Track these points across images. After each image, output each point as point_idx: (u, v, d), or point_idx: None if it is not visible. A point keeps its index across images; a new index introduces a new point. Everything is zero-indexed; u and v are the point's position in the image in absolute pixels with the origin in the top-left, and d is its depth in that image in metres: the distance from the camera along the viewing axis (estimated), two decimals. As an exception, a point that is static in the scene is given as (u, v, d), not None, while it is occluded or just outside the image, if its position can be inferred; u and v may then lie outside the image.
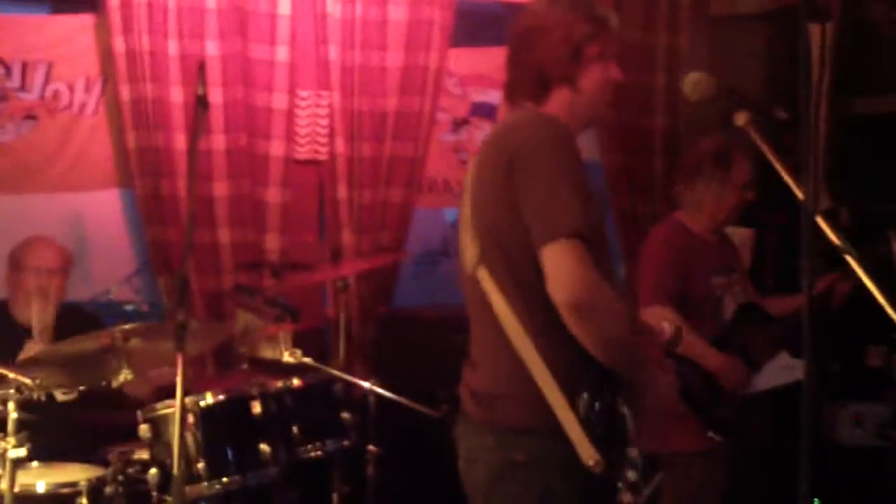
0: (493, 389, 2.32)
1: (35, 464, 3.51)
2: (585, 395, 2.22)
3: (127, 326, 3.37)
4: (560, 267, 2.17)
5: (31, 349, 3.75)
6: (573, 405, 2.21)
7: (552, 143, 2.27)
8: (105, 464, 3.51)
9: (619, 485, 2.29)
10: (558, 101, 2.40)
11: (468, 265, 2.37)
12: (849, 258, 1.92)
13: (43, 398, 3.77)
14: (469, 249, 2.36)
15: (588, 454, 2.18)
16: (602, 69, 2.40)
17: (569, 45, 2.38)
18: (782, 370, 3.62)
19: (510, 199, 2.26)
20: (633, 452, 2.31)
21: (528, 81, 2.41)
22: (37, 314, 3.91)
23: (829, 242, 1.91)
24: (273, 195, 4.65)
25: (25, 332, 3.90)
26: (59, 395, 3.84)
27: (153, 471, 3.35)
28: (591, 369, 2.23)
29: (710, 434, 3.57)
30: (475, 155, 2.49)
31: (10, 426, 3.00)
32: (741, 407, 3.61)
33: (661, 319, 3.59)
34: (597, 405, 2.22)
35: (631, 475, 2.30)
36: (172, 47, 4.43)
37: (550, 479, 2.25)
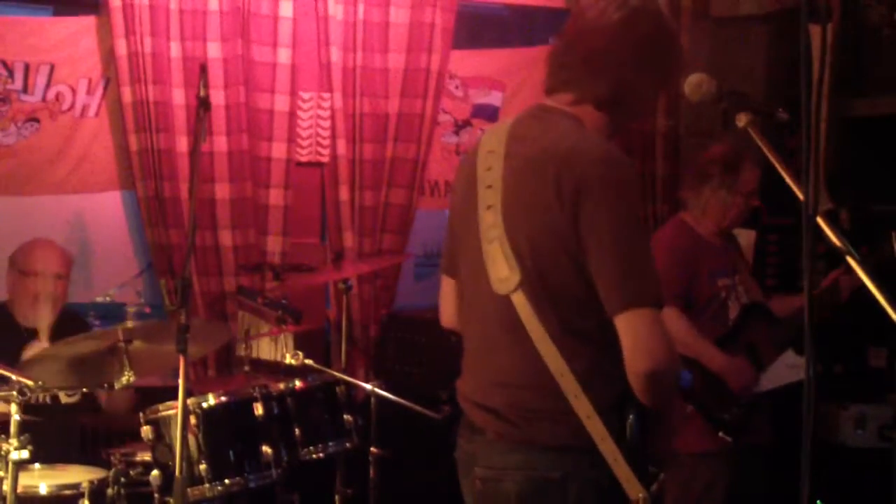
0: (527, 411, 2.22)
1: (37, 466, 3.52)
2: (632, 419, 2.19)
3: (129, 328, 3.37)
4: (642, 338, 2.10)
5: (36, 349, 3.75)
6: (617, 440, 2.15)
7: (630, 188, 2.17)
8: (107, 466, 3.51)
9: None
10: (607, 120, 2.28)
11: (498, 283, 2.22)
12: (850, 259, 1.91)
13: (48, 400, 3.79)
14: (501, 268, 2.21)
15: (635, 490, 2.14)
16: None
17: (666, 77, 2.33)
18: (789, 369, 3.62)
19: (566, 233, 2.13)
20: (652, 471, 2.30)
21: (613, 88, 2.24)
22: (41, 318, 3.92)
23: (831, 244, 1.91)
24: (275, 197, 4.66)
25: (27, 334, 3.91)
26: (64, 397, 3.85)
27: (155, 472, 3.35)
28: (629, 396, 2.17)
29: (721, 435, 3.56)
30: (498, 150, 2.28)
31: (13, 428, 3.00)
32: (748, 407, 3.61)
33: (668, 321, 3.61)
34: (638, 431, 2.20)
35: (654, 487, 2.28)
36: (174, 49, 4.44)
37: (585, 497, 2.19)
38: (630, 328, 2.11)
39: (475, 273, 2.30)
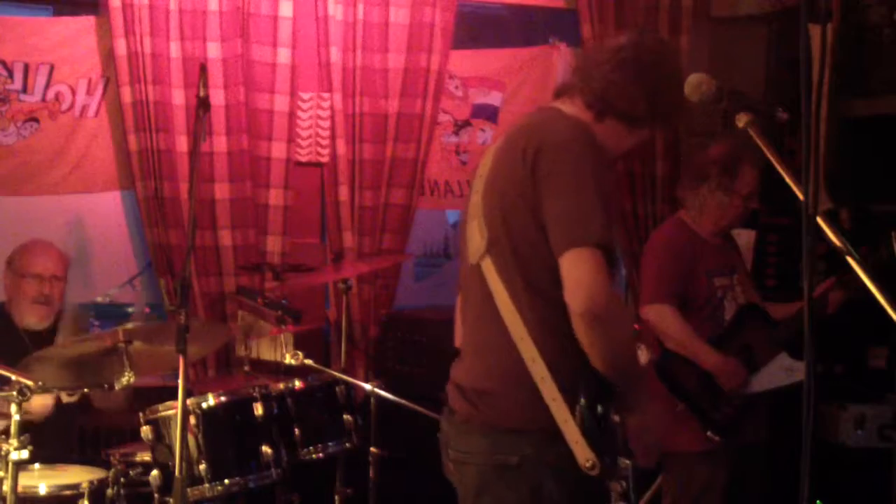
0: (485, 385, 2.30)
1: (37, 466, 3.52)
2: (583, 399, 2.20)
3: (129, 328, 3.37)
4: (581, 275, 2.15)
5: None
6: (571, 406, 2.20)
7: (581, 143, 2.26)
8: (107, 466, 3.51)
9: (612, 493, 2.28)
10: (608, 129, 2.39)
11: (473, 254, 2.34)
12: (850, 260, 1.91)
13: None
14: (476, 239, 2.33)
15: (584, 455, 2.17)
16: (652, 133, 2.48)
17: (667, 106, 2.41)
18: (782, 371, 3.62)
19: (529, 195, 2.24)
20: (623, 463, 2.31)
21: (610, 94, 2.37)
22: (37, 320, 3.92)
23: (831, 244, 1.91)
24: (274, 197, 4.66)
25: (25, 336, 3.90)
26: (65, 397, 3.85)
27: (155, 473, 3.35)
28: (590, 375, 2.22)
29: (709, 434, 3.57)
30: (495, 144, 2.45)
31: (13, 428, 3.00)
32: (740, 408, 3.61)
33: (663, 318, 3.61)
34: (594, 410, 2.21)
35: (623, 484, 2.29)
36: (174, 49, 4.44)
37: (542, 481, 2.23)
38: (570, 267, 2.17)
39: (465, 259, 2.41)
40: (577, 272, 2.16)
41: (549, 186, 2.22)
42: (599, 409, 2.22)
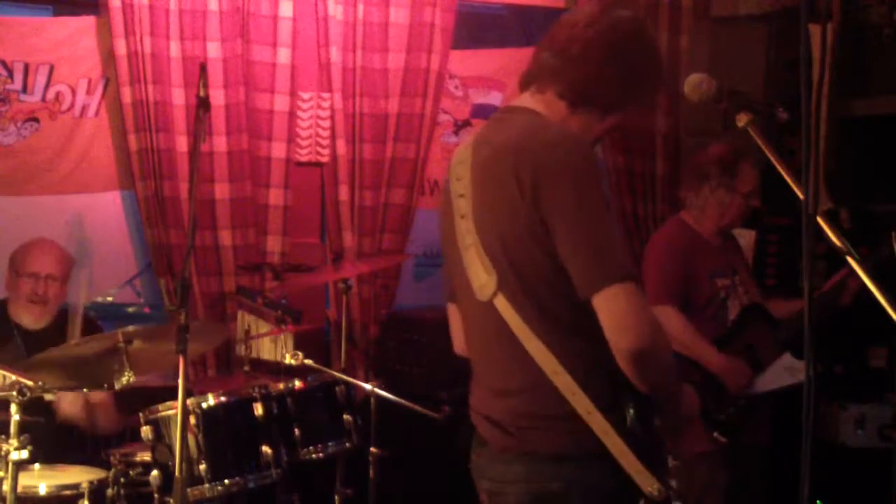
0: (524, 422, 2.18)
1: (37, 466, 3.52)
2: (631, 420, 2.13)
3: (129, 328, 3.37)
4: (621, 315, 2.05)
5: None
6: (622, 433, 2.11)
7: (579, 161, 2.11)
8: (107, 466, 3.51)
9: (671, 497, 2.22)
10: (582, 119, 2.24)
11: (480, 292, 2.19)
12: (850, 259, 1.91)
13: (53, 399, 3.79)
14: (481, 276, 2.19)
15: (647, 483, 2.09)
16: (624, 116, 2.31)
17: (640, 87, 2.27)
18: (786, 371, 3.62)
19: (532, 222, 2.10)
20: (669, 463, 2.26)
21: (582, 82, 2.21)
22: (32, 319, 3.92)
23: (831, 244, 1.91)
24: (274, 197, 4.66)
25: (18, 334, 3.91)
26: (48, 396, 3.84)
27: (155, 473, 3.35)
28: (626, 386, 2.13)
29: (716, 435, 3.56)
30: (465, 152, 2.28)
31: (13, 428, 3.00)
32: (744, 408, 3.61)
33: (666, 319, 3.61)
34: (644, 429, 2.13)
35: (674, 483, 2.25)
36: (174, 49, 4.44)
37: None
38: (607, 307, 2.06)
39: (464, 286, 2.27)
40: (616, 311, 2.05)
41: (558, 218, 2.08)
42: (648, 424, 2.15)
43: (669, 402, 2.23)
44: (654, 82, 2.32)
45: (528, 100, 2.29)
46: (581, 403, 2.11)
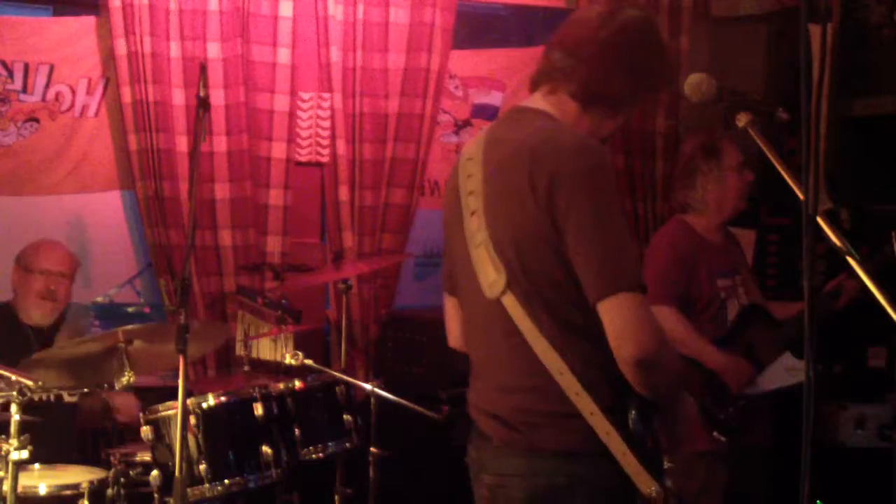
0: (528, 418, 2.19)
1: (37, 466, 3.52)
2: (633, 423, 2.15)
3: (129, 328, 3.38)
4: (625, 324, 2.06)
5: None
6: (624, 434, 2.12)
7: (596, 167, 2.11)
8: (107, 466, 3.52)
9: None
10: (593, 118, 2.27)
11: (488, 289, 2.20)
12: (850, 259, 1.91)
13: (52, 398, 3.80)
14: (489, 273, 2.19)
15: (646, 484, 2.11)
16: (630, 113, 2.35)
17: (651, 86, 2.31)
18: (786, 372, 3.61)
19: (546, 228, 2.10)
20: (665, 464, 2.27)
21: (595, 83, 2.23)
22: (42, 315, 3.94)
23: (831, 243, 1.91)
24: (274, 197, 4.66)
25: (31, 333, 3.92)
26: (67, 397, 3.86)
27: (155, 473, 3.36)
28: (629, 389, 2.14)
29: (716, 434, 3.56)
30: (475, 150, 2.29)
31: (13, 428, 3.00)
32: (744, 408, 3.61)
33: (665, 320, 3.61)
34: (645, 430, 2.16)
35: (669, 483, 2.26)
36: (174, 49, 4.44)
37: (594, 502, 2.16)
38: (612, 315, 2.07)
39: (469, 282, 2.28)
40: (620, 321, 2.06)
41: (571, 224, 2.08)
42: (648, 426, 2.17)
43: (669, 408, 2.26)
44: (664, 80, 2.33)
45: (539, 101, 2.30)
46: (584, 404, 2.13)
